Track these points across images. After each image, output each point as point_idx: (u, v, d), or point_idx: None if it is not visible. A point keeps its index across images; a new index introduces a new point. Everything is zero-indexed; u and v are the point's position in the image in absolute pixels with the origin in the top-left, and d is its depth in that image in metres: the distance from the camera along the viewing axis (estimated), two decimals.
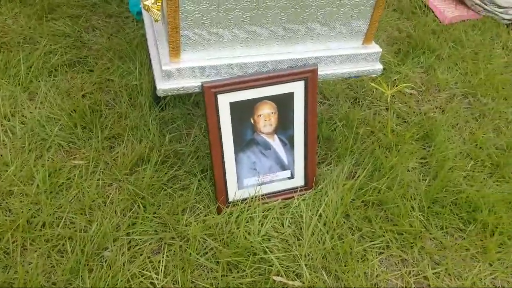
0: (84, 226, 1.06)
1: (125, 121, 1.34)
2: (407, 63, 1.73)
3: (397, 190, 1.21)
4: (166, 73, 0.98)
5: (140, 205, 1.11)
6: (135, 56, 1.54)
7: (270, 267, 1.02)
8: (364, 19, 1.07)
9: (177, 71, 0.99)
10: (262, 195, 1.16)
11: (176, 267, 1.01)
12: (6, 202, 1.10)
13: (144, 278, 0.98)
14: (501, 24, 2.06)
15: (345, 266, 1.05)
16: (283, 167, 1.18)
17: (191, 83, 1.01)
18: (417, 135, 1.43)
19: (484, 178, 1.32)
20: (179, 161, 1.24)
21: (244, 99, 1.06)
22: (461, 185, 1.28)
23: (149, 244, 1.05)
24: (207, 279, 1.00)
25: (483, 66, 1.76)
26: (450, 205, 1.22)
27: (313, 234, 1.09)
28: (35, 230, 1.04)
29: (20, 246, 1.01)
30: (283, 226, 1.11)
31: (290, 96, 1.11)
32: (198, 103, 1.43)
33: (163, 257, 1.02)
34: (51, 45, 1.57)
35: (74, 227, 1.06)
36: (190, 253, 1.02)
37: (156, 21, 0.96)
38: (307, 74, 1.09)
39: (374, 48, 1.14)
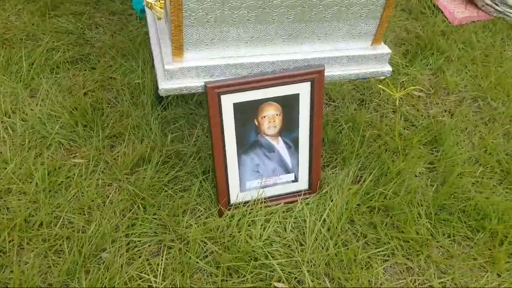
0: (83, 227, 1.04)
1: (126, 120, 1.32)
2: (415, 65, 1.69)
3: (403, 196, 1.18)
4: (168, 73, 0.96)
5: (140, 206, 1.09)
6: (138, 54, 1.52)
7: (272, 273, 1.00)
8: (374, 19, 1.04)
9: (180, 70, 0.96)
10: (265, 198, 1.13)
11: (175, 270, 0.99)
12: (4, 200, 1.08)
13: (142, 281, 0.96)
14: None
15: (348, 273, 1.02)
16: (287, 170, 1.15)
17: (194, 83, 0.99)
18: (425, 139, 1.39)
19: (493, 185, 1.28)
20: (181, 162, 1.22)
21: (248, 100, 1.04)
22: (470, 191, 1.24)
23: (148, 246, 1.03)
24: (206, 284, 0.97)
25: (494, 69, 1.71)
26: (458, 213, 1.19)
27: (316, 239, 1.06)
28: (32, 230, 1.02)
29: (17, 245, 0.99)
30: (286, 231, 1.08)
31: (295, 98, 1.08)
32: (201, 103, 1.41)
33: (162, 260, 1.00)
34: (53, 42, 1.56)
35: (72, 227, 1.04)
36: (190, 257, 1.00)
37: (159, 19, 0.94)
38: (313, 75, 1.06)
39: (383, 49, 1.11)
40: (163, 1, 0.90)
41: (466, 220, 1.18)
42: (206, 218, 1.10)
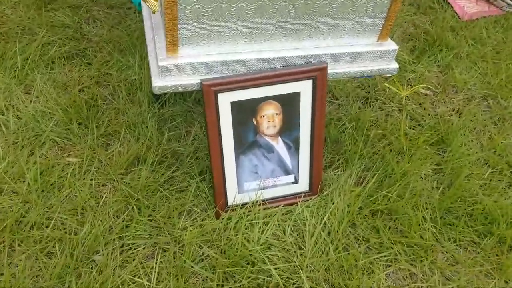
0: (75, 228, 1.01)
1: (122, 117, 1.28)
2: (423, 62, 1.63)
3: (408, 199, 1.14)
4: (162, 69, 0.92)
5: (135, 207, 1.06)
6: (135, 49, 1.48)
7: (269, 278, 0.96)
8: (381, 13, 0.99)
9: (175, 67, 0.92)
10: (264, 200, 1.09)
11: (170, 274, 0.95)
12: None
13: (135, 285, 0.93)
14: None
15: (349, 279, 0.98)
16: (287, 171, 1.11)
17: (190, 80, 0.94)
18: (431, 139, 1.34)
19: (502, 188, 1.24)
20: (177, 162, 1.18)
21: (246, 99, 0.99)
22: (477, 195, 1.19)
23: (143, 248, 1.00)
24: None
25: (505, 66, 1.65)
26: (464, 217, 1.14)
27: (316, 243, 1.03)
28: (24, 231, 0.99)
29: (8, 247, 0.96)
30: (285, 234, 1.05)
31: (296, 96, 1.03)
32: (199, 100, 1.37)
33: (156, 263, 0.97)
34: (49, 36, 1.52)
35: (64, 229, 1.01)
36: (185, 261, 0.96)
37: (154, 12, 0.90)
38: (315, 72, 1.01)
39: (390, 45, 1.05)
40: None
41: (473, 225, 1.13)
42: (203, 220, 1.06)
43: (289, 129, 1.07)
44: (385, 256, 1.04)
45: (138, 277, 0.94)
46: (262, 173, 1.09)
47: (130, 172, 1.15)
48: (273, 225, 1.05)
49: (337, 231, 1.05)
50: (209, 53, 0.94)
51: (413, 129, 1.39)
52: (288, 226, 1.06)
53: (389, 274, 1.02)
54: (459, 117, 1.45)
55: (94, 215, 1.04)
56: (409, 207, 1.13)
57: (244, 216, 1.05)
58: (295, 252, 1.02)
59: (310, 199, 1.12)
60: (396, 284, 1.00)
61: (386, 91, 1.49)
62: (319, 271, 0.98)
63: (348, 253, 1.02)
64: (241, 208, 1.07)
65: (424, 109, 1.47)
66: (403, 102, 1.45)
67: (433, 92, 1.54)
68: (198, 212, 1.08)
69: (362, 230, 1.08)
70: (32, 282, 0.91)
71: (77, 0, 1.71)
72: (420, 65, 1.62)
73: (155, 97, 1.32)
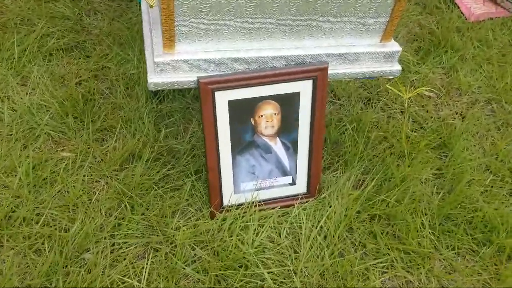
0: (66, 225, 1.00)
1: (119, 112, 1.26)
2: (427, 63, 1.60)
3: (407, 204, 1.11)
4: (158, 66, 0.89)
5: (127, 205, 1.04)
6: (135, 43, 1.46)
7: (262, 282, 0.94)
8: (384, 13, 0.96)
9: (171, 63, 0.89)
10: (260, 201, 1.07)
11: (160, 275, 0.94)
12: None
13: (124, 285, 0.92)
14: None
15: (344, 285, 0.96)
16: (284, 173, 1.09)
17: (187, 78, 0.92)
18: (433, 143, 1.31)
19: (503, 195, 1.21)
20: (173, 159, 1.16)
21: (244, 98, 0.97)
22: (478, 201, 1.17)
23: (134, 248, 0.98)
24: None
25: (510, 70, 1.61)
26: (464, 224, 1.12)
27: (312, 248, 1.01)
28: (13, 226, 0.98)
29: None
30: (280, 237, 1.03)
31: (296, 96, 1.01)
32: (198, 97, 1.34)
33: (147, 264, 0.95)
34: (48, 27, 1.50)
35: (55, 225, 0.99)
36: (176, 262, 0.95)
37: (151, 7, 0.87)
38: (316, 72, 0.98)
39: (393, 46, 1.02)
40: None
41: (472, 233, 1.11)
42: (197, 220, 1.04)
43: (287, 129, 1.04)
44: (381, 262, 1.02)
45: (128, 277, 0.93)
46: (259, 174, 1.07)
47: (125, 169, 1.13)
48: (269, 227, 1.03)
49: (334, 236, 1.03)
50: (207, 50, 0.92)
51: (415, 132, 1.36)
52: (284, 229, 1.04)
53: (384, 281, 1.00)
54: (462, 121, 1.42)
55: (85, 212, 1.02)
56: (408, 213, 1.10)
57: (239, 217, 1.03)
58: (289, 255, 1.00)
59: (308, 201, 1.10)
60: None
61: (388, 92, 1.46)
62: (313, 276, 0.96)
63: (344, 259, 1.00)
64: (236, 208, 1.05)
65: (427, 111, 1.44)
66: (406, 105, 1.42)
67: (436, 95, 1.51)
68: (192, 212, 1.06)
69: (359, 235, 1.06)
70: (19, 280, 0.90)
71: None
72: (425, 66, 1.59)
73: (153, 93, 1.30)
